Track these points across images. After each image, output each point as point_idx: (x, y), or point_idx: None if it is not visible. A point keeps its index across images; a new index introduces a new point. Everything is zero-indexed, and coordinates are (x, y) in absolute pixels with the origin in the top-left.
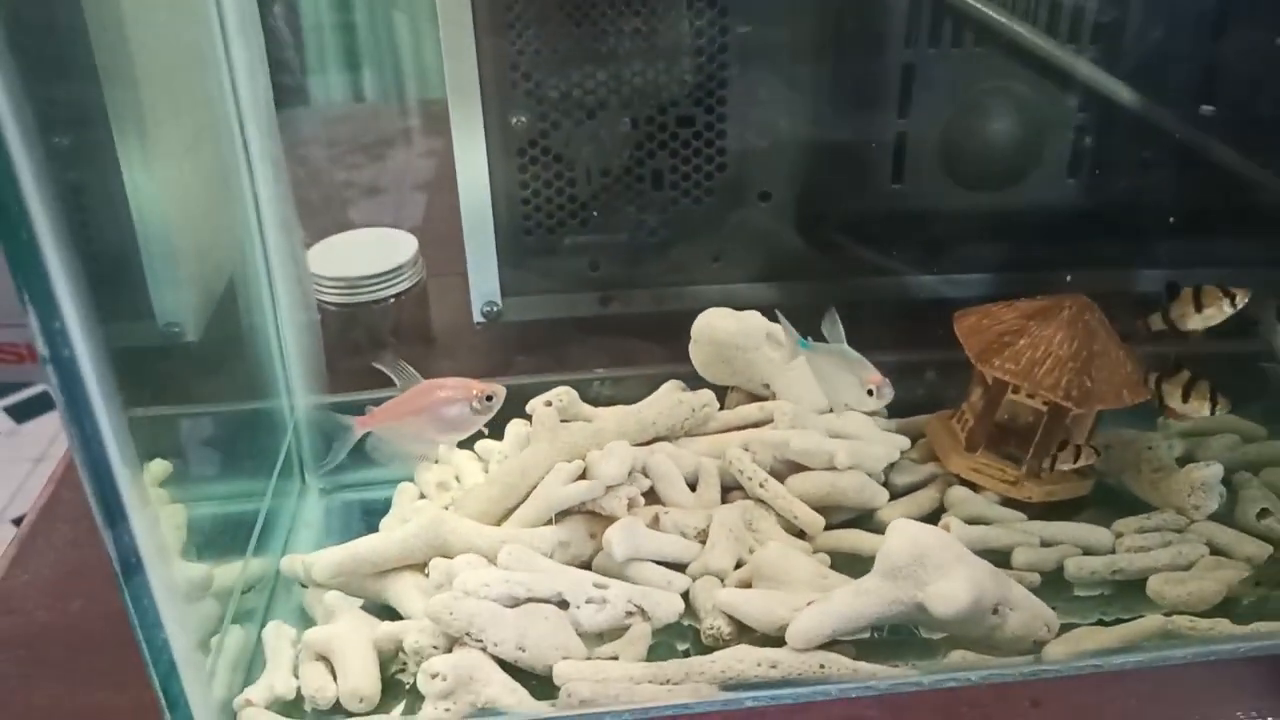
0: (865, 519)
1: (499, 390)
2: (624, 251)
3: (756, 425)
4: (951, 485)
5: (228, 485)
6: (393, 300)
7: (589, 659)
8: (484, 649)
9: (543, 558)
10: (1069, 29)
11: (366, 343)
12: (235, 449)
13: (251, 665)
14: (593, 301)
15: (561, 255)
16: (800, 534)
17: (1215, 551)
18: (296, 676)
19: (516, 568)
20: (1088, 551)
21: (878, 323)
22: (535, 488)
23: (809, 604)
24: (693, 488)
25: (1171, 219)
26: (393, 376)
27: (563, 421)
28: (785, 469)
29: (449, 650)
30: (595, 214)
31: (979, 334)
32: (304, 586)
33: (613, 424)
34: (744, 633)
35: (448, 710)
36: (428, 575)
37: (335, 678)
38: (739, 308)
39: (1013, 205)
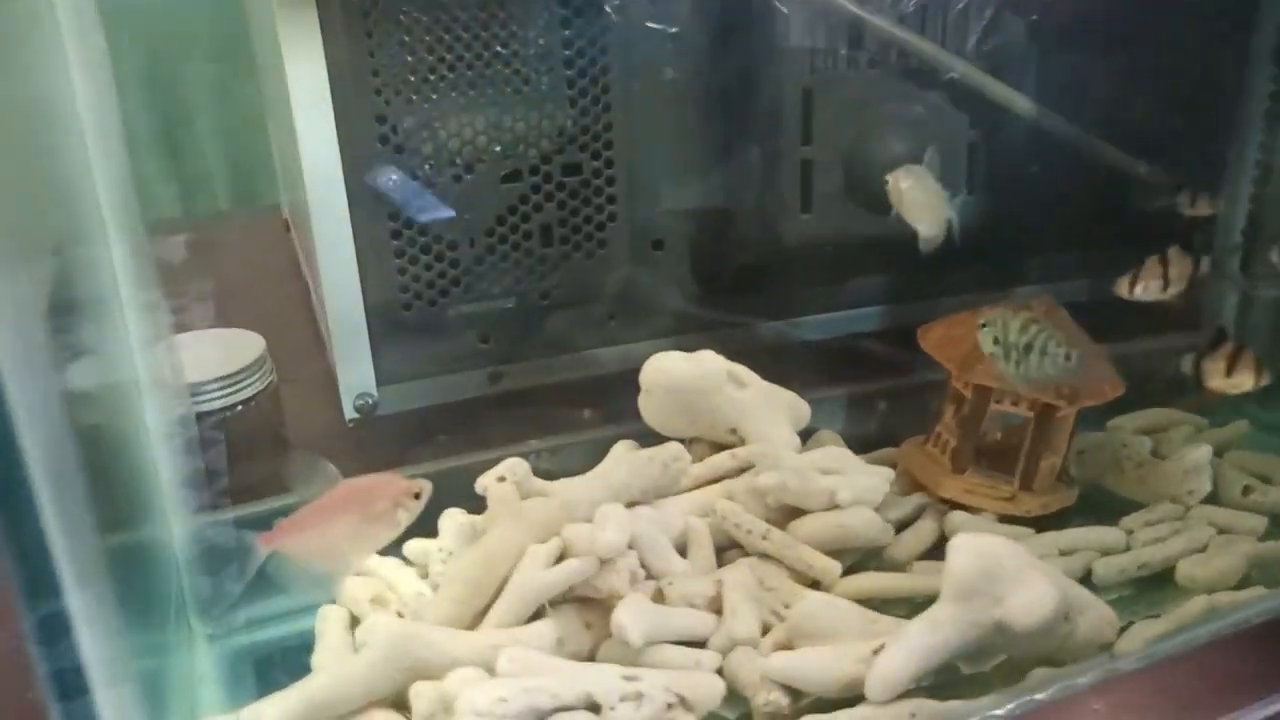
0: (867, 562)
1: (425, 485)
2: (514, 318)
3: (729, 476)
4: (946, 512)
5: (119, 641)
6: (240, 407)
7: None
8: None
9: (550, 657)
10: (961, 45)
11: (217, 456)
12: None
13: None
14: (482, 380)
15: (446, 330)
16: (814, 585)
17: (1220, 531)
18: None
19: (524, 674)
20: (1106, 553)
21: (805, 363)
22: (506, 580)
23: (875, 652)
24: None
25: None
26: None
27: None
28: (779, 517)
29: None
30: (481, 280)
31: (952, 345)
32: None
33: (582, 492)
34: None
35: None
36: (409, 709)
37: None
38: (635, 370)
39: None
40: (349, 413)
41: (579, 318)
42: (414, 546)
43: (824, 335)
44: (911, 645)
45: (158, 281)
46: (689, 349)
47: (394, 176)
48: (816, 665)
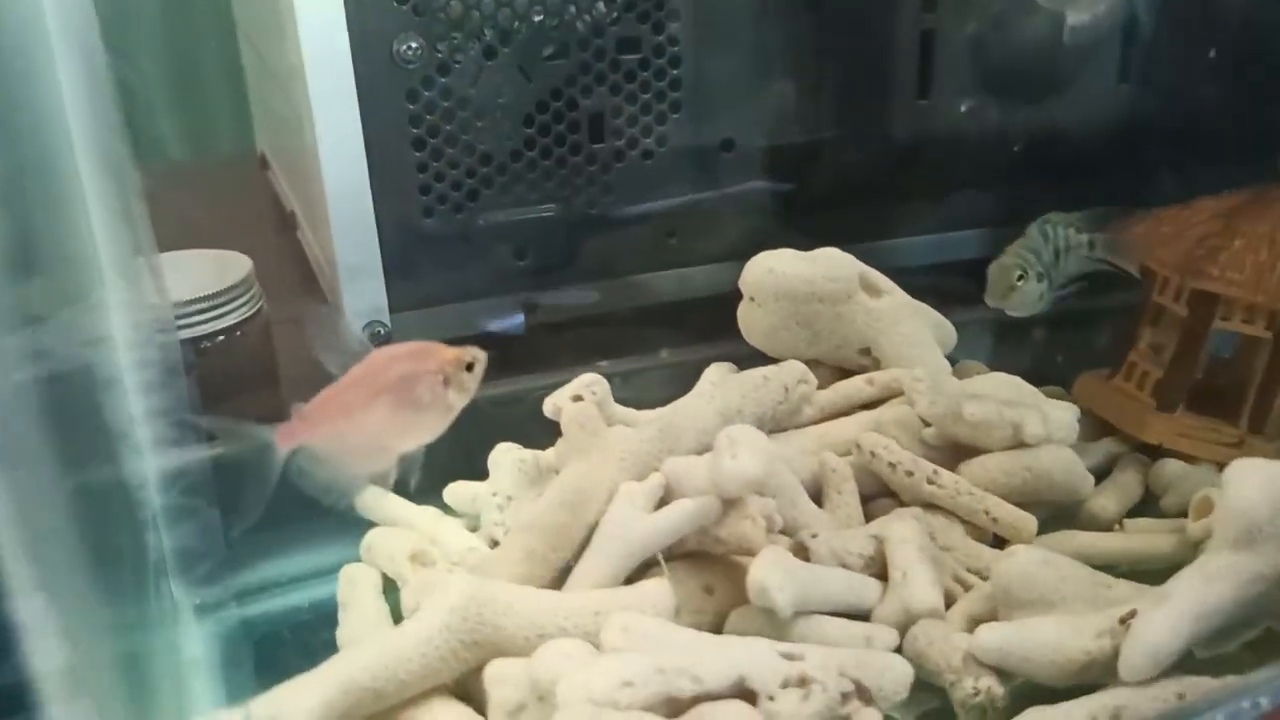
0: (1062, 519)
1: (479, 355)
2: (555, 231)
3: (867, 406)
4: (1148, 462)
5: (78, 619)
6: (221, 337)
7: None
8: None
9: (676, 626)
10: None
11: (200, 389)
12: (84, 554)
13: None
14: (513, 306)
15: (475, 243)
16: (999, 544)
17: None
18: None
19: (642, 648)
20: None
21: (922, 286)
22: (593, 529)
23: (1122, 622)
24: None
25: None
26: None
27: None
28: (941, 458)
29: None
30: (517, 182)
31: (1169, 243)
32: None
33: (684, 418)
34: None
35: None
36: (477, 700)
37: None
38: (696, 300)
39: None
40: (354, 345)
41: (633, 232)
42: (458, 491)
43: (939, 259)
44: (1179, 607)
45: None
46: None
47: (413, 44)
48: (1044, 641)
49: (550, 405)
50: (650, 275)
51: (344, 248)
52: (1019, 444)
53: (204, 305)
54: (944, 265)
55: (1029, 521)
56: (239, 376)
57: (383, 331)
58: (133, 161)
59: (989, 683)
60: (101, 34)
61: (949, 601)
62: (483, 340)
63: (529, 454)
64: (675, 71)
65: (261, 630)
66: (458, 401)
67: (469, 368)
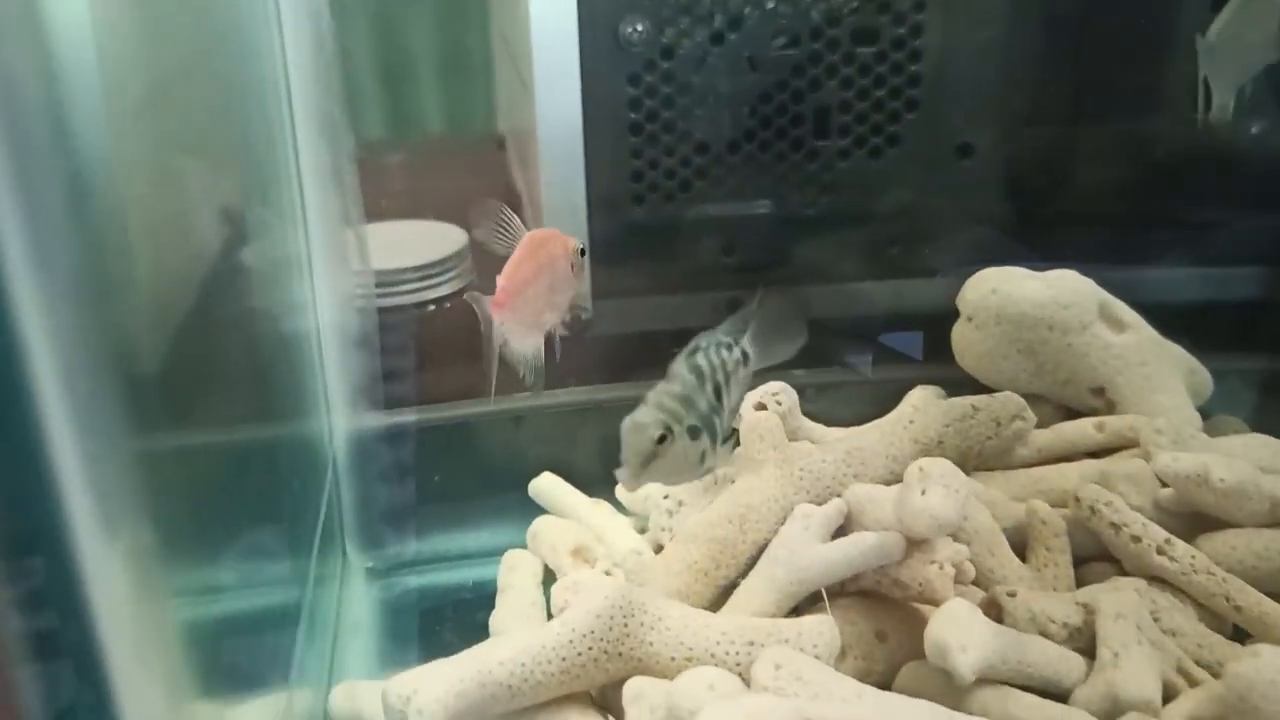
0: None
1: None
2: (768, 229)
3: (1093, 455)
4: None
5: (246, 567)
6: (432, 306)
7: None
8: None
9: (836, 673)
10: None
11: (405, 356)
12: (255, 506)
13: None
14: (717, 304)
15: (682, 235)
16: (1239, 638)
17: None
18: None
19: (794, 692)
20: None
21: (1176, 326)
22: (761, 549)
23: None
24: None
25: None
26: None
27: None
28: (1176, 526)
29: None
30: (733, 174)
31: None
32: None
33: (875, 441)
34: None
35: None
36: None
37: None
38: (914, 313)
39: None
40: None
41: (851, 237)
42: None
43: (1200, 296)
44: None
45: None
46: None
47: (639, 26)
48: None
49: None
50: (865, 284)
51: (550, 219)
52: (1277, 521)
53: (421, 273)
54: (1207, 304)
55: None
56: (444, 345)
57: (584, 317)
58: (350, 131)
59: None
60: (372, 14)
61: (1168, 696)
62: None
63: None
64: (915, 67)
65: (425, 602)
66: (576, 284)
67: (581, 252)
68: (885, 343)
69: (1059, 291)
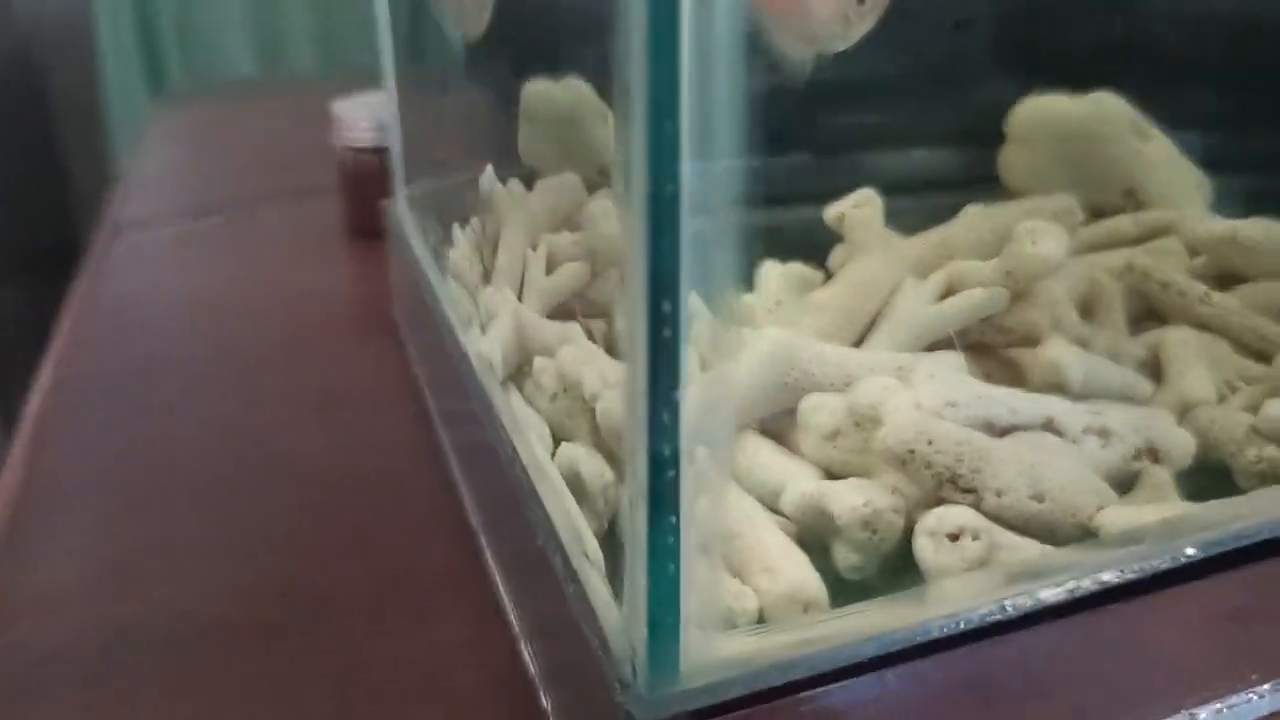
0: None
1: None
2: None
3: (1129, 244)
4: None
5: None
6: None
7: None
8: (975, 503)
9: (973, 379)
10: None
11: None
12: None
13: None
14: None
15: None
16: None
17: None
18: None
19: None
20: None
21: None
22: (874, 316)
23: None
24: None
25: None
26: None
27: None
28: (1209, 285)
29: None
30: None
31: None
32: None
33: (962, 232)
34: None
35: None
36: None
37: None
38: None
39: None
40: None
41: None
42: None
43: None
44: None
45: None
46: None
47: None
48: None
49: (832, 213)
50: None
51: None
52: None
53: None
54: None
55: None
56: None
57: None
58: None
59: (1272, 450)
60: None
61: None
62: None
63: (795, 267)
64: None
65: None
66: None
67: None
68: None
69: (1098, 109)
